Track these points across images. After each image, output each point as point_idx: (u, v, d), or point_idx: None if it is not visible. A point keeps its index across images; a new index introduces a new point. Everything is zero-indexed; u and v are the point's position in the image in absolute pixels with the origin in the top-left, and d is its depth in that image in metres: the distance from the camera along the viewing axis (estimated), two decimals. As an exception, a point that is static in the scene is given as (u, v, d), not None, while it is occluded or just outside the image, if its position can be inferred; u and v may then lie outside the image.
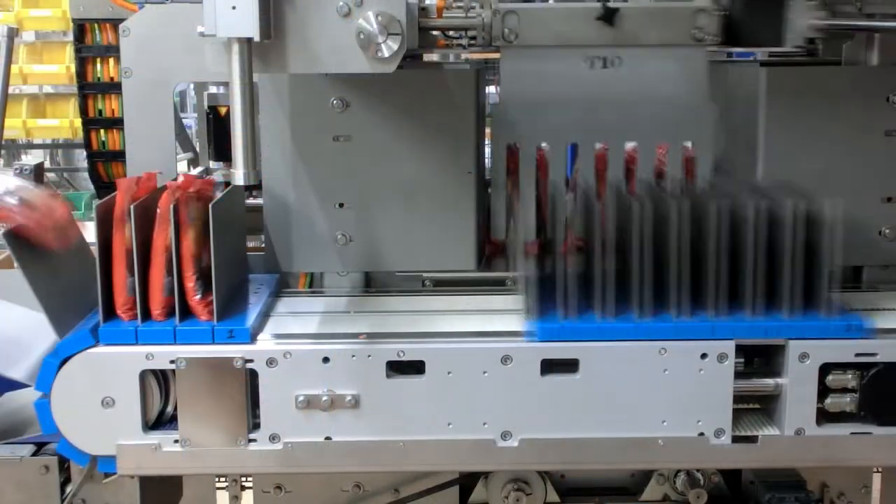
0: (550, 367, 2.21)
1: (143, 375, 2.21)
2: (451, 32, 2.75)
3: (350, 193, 2.59)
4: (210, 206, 2.20)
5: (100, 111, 2.95)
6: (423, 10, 2.49)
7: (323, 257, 2.62)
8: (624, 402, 2.22)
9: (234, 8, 1.92)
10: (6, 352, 2.42)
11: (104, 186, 2.98)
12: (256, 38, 1.94)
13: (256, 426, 2.23)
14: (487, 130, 2.70)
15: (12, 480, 2.45)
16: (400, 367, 2.23)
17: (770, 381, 2.25)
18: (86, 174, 3.96)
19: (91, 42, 2.94)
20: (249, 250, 2.67)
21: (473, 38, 2.59)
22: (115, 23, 2.73)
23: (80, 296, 2.31)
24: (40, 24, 7.21)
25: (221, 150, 3.68)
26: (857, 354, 2.21)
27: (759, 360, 2.28)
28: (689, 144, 2.61)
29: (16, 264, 2.21)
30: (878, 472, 2.90)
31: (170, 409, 2.26)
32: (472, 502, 2.71)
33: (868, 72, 2.63)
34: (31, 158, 8.62)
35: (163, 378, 2.24)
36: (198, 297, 2.23)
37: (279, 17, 2.00)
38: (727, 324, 2.21)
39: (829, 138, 2.58)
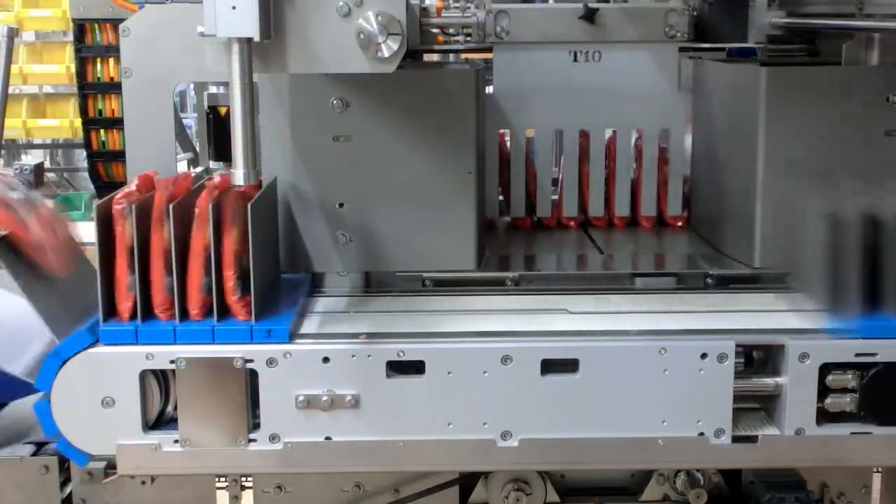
0: (550, 367, 2.21)
1: (144, 375, 2.21)
2: (448, 30, 2.84)
3: (350, 193, 2.59)
4: (249, 205, 2.18)
5: (100, 111, 2.96)
6: (425, 10, 2.52)
7: (323, 257, 2.62)
8: (624, 402, 2.22)
9: (234, 8, 1.92)
10: (2, 343, 2.42)
11: (104, 186, 2.98)
12: (256, 38, 1.94)
13: (256, 426, 2.23)
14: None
15: (12, 480, 2.45)
16: (400, 367, 2.23)
17: (770, 381, 2.25)
18: (86, 174, 3.97)
19: (91, 42, 2.95)
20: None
21: (469, 35, 2.83)
22: (115, 23, 2.74)
23: (79, 298, 2.31)
24: (40, 24, 7.23)
25: (221, 150, 3.66)
26: (857, 354, 2.21)
27: (758, 359, 2.29)
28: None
29: (8, 273, 2.21)
30: (878, 472, 2.89)
31: (170, 409, 2.26)
32: (472, 502, 2.71)
33: (868, 72, 2.63)
34: (31, 158, 8.62)
35: (163, 378, 2.24)
36: (237, 296, 2.22)
37: (279, 16, 2.00)
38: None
39: (830, 138, 2.58)
